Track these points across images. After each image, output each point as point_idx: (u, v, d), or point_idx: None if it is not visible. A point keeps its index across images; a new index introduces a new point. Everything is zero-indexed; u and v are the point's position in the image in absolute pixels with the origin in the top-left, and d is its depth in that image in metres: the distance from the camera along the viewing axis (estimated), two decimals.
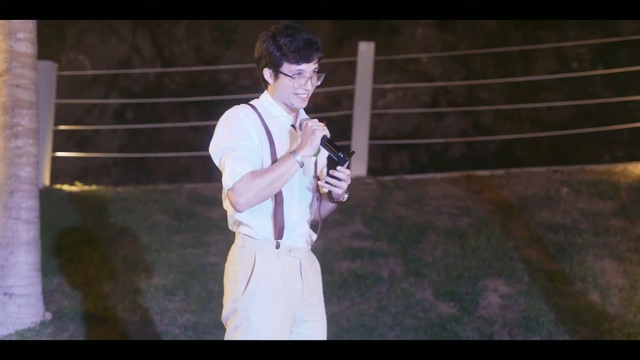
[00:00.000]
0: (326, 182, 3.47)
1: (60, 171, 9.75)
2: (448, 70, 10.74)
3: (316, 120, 3.48)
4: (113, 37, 11.18)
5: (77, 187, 8.86)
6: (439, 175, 8.72)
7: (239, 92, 10.09)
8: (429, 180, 8.53)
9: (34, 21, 6.06)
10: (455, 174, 8.72)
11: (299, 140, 3.48)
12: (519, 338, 6.00)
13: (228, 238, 7.21)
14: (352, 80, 9.09)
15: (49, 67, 8.93)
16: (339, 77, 10.55)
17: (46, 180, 8.79)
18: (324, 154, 3.66)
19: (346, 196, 3.57)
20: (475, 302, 6.35)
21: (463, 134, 10.56)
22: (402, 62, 10.75)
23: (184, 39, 11.16)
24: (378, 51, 9.20)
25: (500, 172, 8.61)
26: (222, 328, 6.01)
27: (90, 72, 11.00)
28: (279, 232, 3.47)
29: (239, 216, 3.47)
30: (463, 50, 10.55)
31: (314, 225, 3.66)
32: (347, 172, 3.47)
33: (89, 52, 11.15)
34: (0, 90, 6.07)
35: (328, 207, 3.68)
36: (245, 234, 3.49)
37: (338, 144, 3.49)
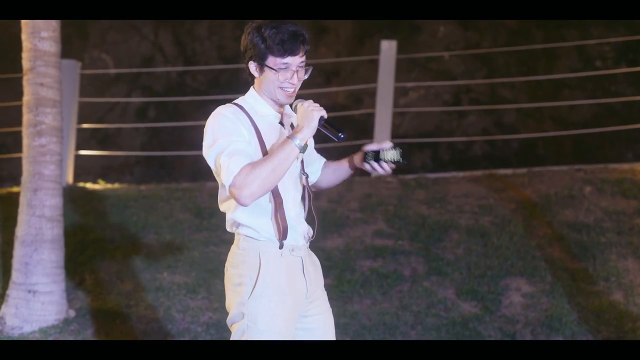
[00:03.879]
0: (370, 166, 3.45)
1: (83, 169, 9.81)
2: (470, 69, 10.71)
3: (311, 101, 3.36)
4: (135, 35, 11.23)
5: (100, 185, 8.91)
6: (461, 174, 8.70)
7: None
8: (450, 178, 8.51)
9: (58, 20, 6.10)
10: (477, 173, 8.70)
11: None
12: (542, 337, 5.98)
13: None
14: (374, 79, 9.09)
15: (73, 66, 8.98)
16: (361, 75, 10.55)
17: (69, 178, 8.84)
18: (310, 145, 3.59)
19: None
20: (498, 301, 6.34)
21: (485, 132, 10.53)
22: (424, 60, 10.74)
23: (206, 37, 11.20)
24: (400, 49, 9.19)
25: (523, 170, 8.59)
26: None
27: (113, 71, 11.05)
28: (283, 233, 3.38)
29: (238, 218, 3.41)
30: (485, 48, 10.52)
31: (310, 222, 3.57)
32: (387, 168, 3.44)
33: (112, 51, 11.20)
34: (24, 88, 6.12)
35: (333, 178, 3.67)
36: (247, 235, 3.41)
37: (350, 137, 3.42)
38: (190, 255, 6.92)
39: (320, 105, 3.40)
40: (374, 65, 9.29)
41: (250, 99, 3.47)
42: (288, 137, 3.29)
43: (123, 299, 6.37)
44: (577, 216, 7.37)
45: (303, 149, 3.33)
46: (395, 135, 9.51)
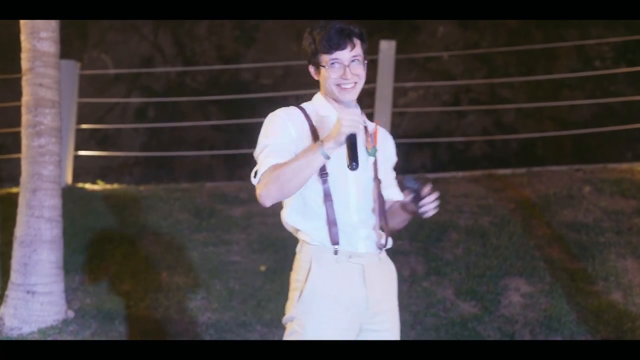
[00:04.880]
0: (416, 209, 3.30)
1: (83, 170, 9.80)
2: (469, 69, 10.71)
3: (356, 114, 3.22)
4: (135, 36, 11.22)
5: (99, 186, 8.91)
6: (460, 174, 8.70)
7: (260, 91, 10.11)
8: (450, 178, 8.51)
9: (57, 20, 6.10)
10: (477, 173, 8.69)
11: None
12: (541, 337, 5.98)
13: (249, 236, 7.24)
14: (373, 79, 9.09)
15: (72, 66, 8.98)
16: None
17: (68, 179, 8.84)
18: (383, 153, 3.50)
19: (431, 213, 3.32)
20: (497, 301, 6.34)
21: (484, 132, 10.53)
22: (423, 60, 10.73)
23: (205, 37, 11.19)
24: (399, 49, 9.19)
25: (522, 170, 8.59)
26: (243, 326, 6.04)
27: (112, 71, 11.05)
28: (333, 237, 3.33)
29: (290, 221, 3.39)
30: (484, 48, 10.52)
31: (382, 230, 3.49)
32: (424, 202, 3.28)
33: (111, 51, 11.20)
34: (23, 89, 6.12)
35: (398, 219, 3.51)
36: (302, 240, 3.39)
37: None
38: (189, 255, 6.92)
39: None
40: (373, 65, 9.28)
41: (315, 101, 3.48)
42: (316, 143, 3.23)
43: (122, 300, 6.36)
44: (576, 216, 7.37)
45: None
46: (394, 135, 9.47)
